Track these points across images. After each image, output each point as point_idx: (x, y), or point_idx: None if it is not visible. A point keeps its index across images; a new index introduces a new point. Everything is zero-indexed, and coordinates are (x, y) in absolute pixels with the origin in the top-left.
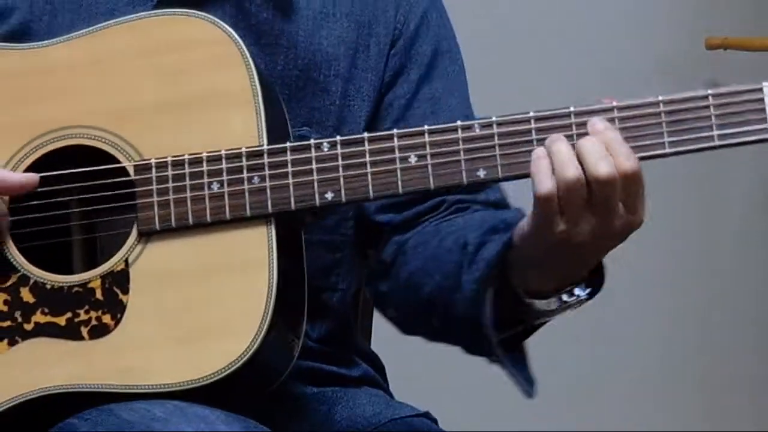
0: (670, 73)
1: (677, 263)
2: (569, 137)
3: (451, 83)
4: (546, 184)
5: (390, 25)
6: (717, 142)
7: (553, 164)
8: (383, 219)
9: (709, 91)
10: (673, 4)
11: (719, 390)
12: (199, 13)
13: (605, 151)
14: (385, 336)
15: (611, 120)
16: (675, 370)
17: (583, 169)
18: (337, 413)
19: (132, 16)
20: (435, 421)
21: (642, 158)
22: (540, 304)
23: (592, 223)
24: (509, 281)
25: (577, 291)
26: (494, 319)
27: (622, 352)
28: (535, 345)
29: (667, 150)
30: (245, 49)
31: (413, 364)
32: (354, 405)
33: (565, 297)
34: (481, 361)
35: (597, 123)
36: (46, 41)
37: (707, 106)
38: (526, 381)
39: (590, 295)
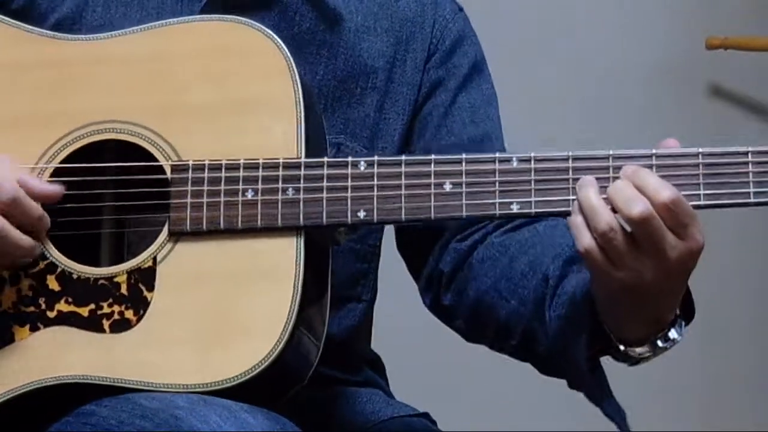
0: (670, 74)
1: None
2: (605, 179)
3: (487, 99)
4: (582, 240)
5: (426, 41)
6: (753, 200)
7: (585, 217)
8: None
9: (749, 148)
10: (673, 4)
11: (719, 390)
12: (252, 22)
13: (635, 191)
14: (384, 337)
15: (649, 167)
16: (675, 370)
17: (617, 213)
18: (337, 410)
19: (186, 18)
20: (434, 422)
21: None
22: (634, 352)
23: (647, 264)
24: (602, 328)
25: (672, 334)
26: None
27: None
28: None
29: (702, 202)
30: (293, 62)
31: (413, 366)
32: (354, 403)
33: (660, 343)
34: (480, 362)
35: (628, 167)
36: (97, 34)
37: (746, 163)
38: (616, 413)
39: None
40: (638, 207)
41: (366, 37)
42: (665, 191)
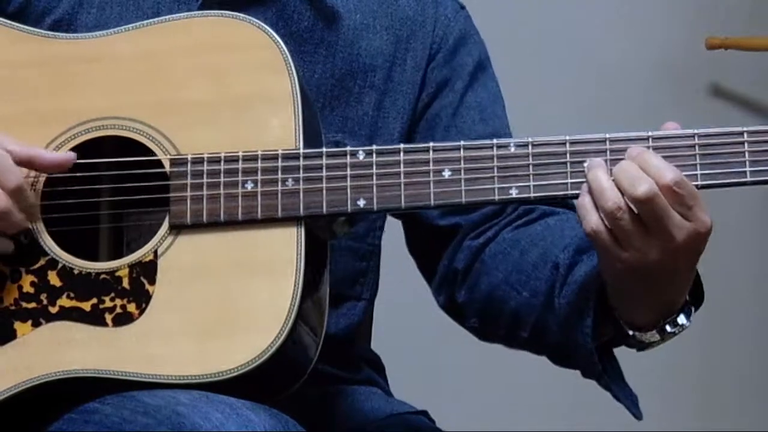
0: (670, 74)
1: None
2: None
3: (494, 96)
4: (590, 220)
5: (427, 40)
6: (749, 179)
7: (593, 197)
8: (450, 222)
9: (745, 128)
10: (673, 4)
11: (719, 390)
12: (247, 17)
13: (640, 171)
14: (384, 336)
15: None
16: (675, 370)
17: (623, 193)
18: (335, 408)
19: (181, 14)
20: (433, 421)
21: None
22: (642, 336)
23: (654, 244)
24: (611, 313)
25: (681, 319)
26: (594, 341)
27: (621, 352)
28: None
29: (699, 182)
30: (288, 55)
31: (412, 365)
32: (353, 401)
33: (668, 328)
34: (480, 362)
35: (633, 149)
36: (93, 32)
37: (742, 143)
38: (628, 398)
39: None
40: (643, 186)
41: (365, 35)
42: (669, 173)
